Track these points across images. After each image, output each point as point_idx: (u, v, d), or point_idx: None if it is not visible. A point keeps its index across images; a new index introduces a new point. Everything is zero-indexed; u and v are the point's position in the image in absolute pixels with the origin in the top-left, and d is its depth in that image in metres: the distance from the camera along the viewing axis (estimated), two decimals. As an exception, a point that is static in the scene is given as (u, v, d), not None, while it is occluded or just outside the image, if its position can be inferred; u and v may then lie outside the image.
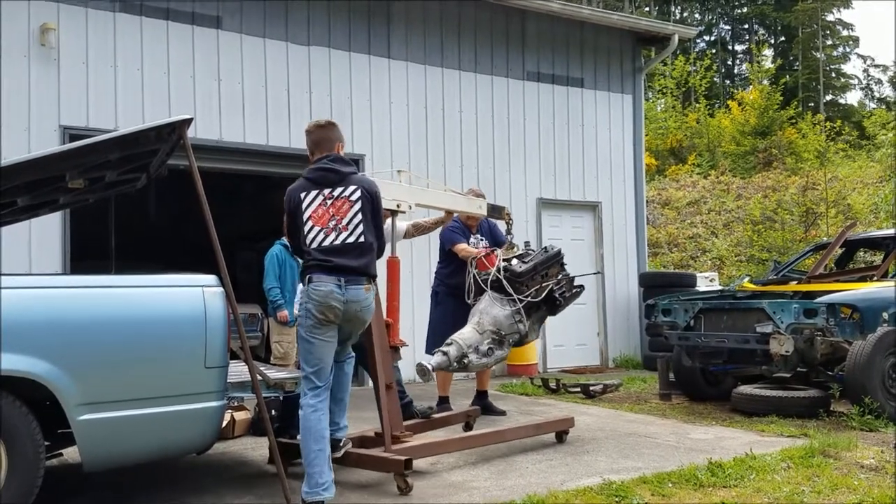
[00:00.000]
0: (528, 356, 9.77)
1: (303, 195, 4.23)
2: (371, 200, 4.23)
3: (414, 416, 5.72)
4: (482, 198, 6.09)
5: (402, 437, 4.71)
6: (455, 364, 5.11)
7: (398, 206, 5.07)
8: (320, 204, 4.19)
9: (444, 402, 6.74)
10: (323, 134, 4.33)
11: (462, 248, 6.36)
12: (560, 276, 5.69)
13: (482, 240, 6.64)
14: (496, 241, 6.63)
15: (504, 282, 5.45)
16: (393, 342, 4.89)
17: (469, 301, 5.72)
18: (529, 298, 5.45)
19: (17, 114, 7.39)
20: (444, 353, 5.10)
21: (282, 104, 8.80)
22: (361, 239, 4.16)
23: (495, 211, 6.15)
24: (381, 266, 4.44)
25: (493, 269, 5.53)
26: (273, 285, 6.95)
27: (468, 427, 5.85)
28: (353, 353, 4.50)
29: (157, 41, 8.12)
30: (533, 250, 5.87)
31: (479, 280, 5.59)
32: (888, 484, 4.31)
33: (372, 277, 4.23)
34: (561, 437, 5.65)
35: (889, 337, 6.23)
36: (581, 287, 5.88)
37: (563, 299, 5.64)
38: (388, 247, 5.16)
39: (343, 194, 4.18)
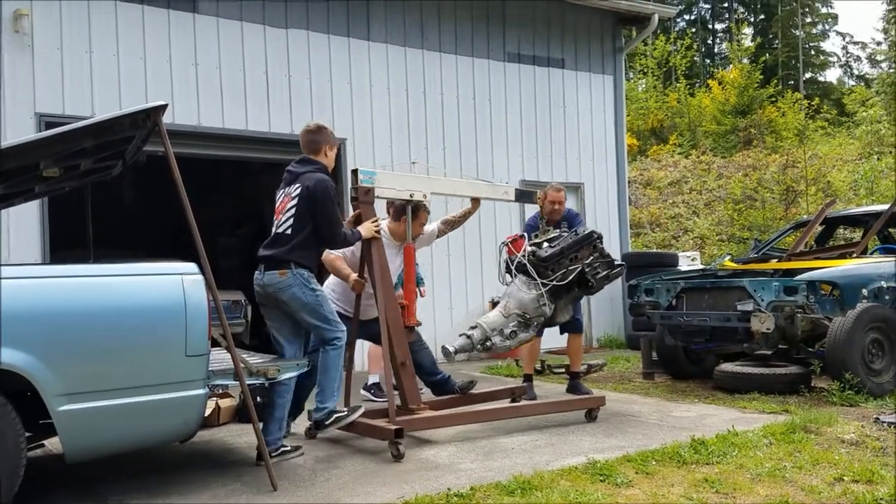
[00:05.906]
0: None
1: (278, 192, 4.79)
2: (308, 197, 4.54)
3: (454, 391, 5.82)
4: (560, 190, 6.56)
5: (417, 410, 5.01)
6: (479, 346, 5.35)
7: (411, 195, 5.19)
8: (281, 201, 4.72)
9: (528, 379, 6.77)
10: (306, 138, 4.81)
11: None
12: (591, 258, 5.71)
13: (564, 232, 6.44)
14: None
15: (529, 266, 5.54)
16: (408, 322, 5.15)
17: (501, 283, 5.85)
18: (555, 282, 5.52)
19: (-9, 101, 7.27)
20: (468, 337, 5.36)
21: (260, 88, 8.71)
22: (287, 231, 4.59)
23: (524, 196, 6.02)
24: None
25: (520, 254, 5.62)
26: None
27: (514, 402, 6.00)
28: (335, 342, 4.70)
29: (133, 26, 7.99)
30: (565, 233, 5.88)
31: (509, 264, 5.71)
32: (868, 458, 4.37)
33: (289, 263, 4.52)
34: (592, 413, 5.72)
35: (869, 313, 6.30)
36: (622, 265, 5.96)
37: (595, 280, 5.68)
38: (406, 237, 5.35)
39: (289, 192, 4.66)
